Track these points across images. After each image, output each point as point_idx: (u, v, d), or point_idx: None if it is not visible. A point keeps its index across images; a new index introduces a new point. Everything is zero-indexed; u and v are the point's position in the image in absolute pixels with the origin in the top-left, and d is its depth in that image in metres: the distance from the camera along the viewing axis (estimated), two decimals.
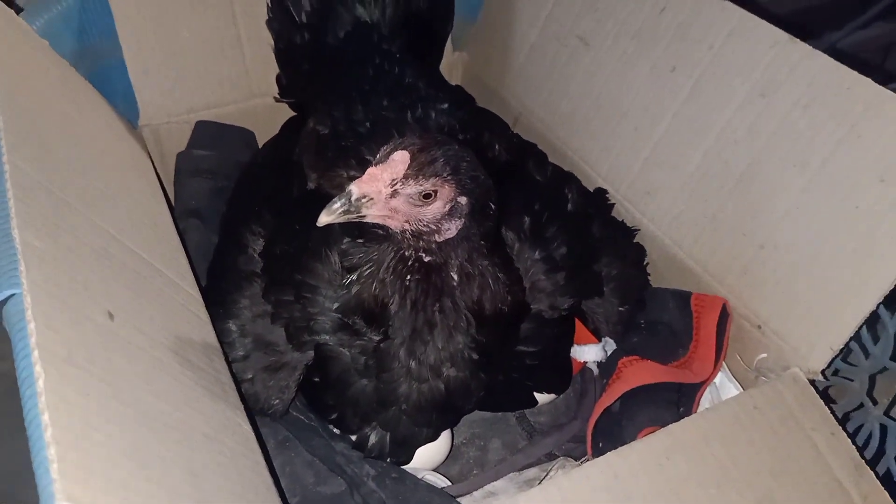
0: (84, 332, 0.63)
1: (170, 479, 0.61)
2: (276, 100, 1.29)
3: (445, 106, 1.09)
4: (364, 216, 0.73)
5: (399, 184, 0.71)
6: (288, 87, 1.28)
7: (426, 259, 0.80)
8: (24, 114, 0.83)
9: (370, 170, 0.72)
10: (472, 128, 1.10)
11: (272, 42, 1.26)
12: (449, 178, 0.73)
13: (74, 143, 0.93)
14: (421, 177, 0.71)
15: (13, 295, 0.67)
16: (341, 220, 0.72)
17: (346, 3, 1.21)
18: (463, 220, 0.76)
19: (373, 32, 1.20)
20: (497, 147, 1.13)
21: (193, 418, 0.72)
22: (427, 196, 0.73)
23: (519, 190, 1.04)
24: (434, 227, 0.76)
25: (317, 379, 0.93)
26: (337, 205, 0.72)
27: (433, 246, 0.78)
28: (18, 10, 1.09)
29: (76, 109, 1.02)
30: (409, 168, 0.71)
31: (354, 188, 0.72)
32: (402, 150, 0.72)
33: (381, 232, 0.81)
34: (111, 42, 1.19)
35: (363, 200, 0.72)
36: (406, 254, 0.80)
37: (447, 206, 0.74)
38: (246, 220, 1.02)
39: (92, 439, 0.54)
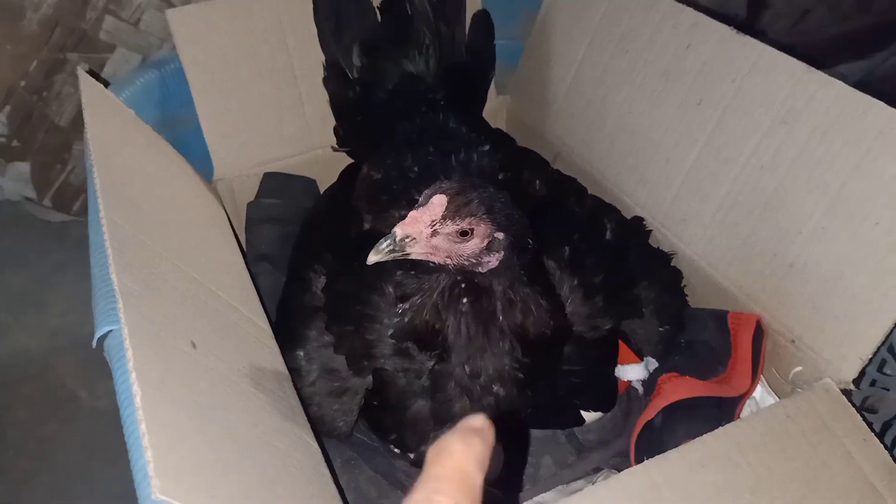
0: (173, 360, 0.73)
1: (248, 485, 0.69)
2: (335, 149, 1.40)
3: (487, 148, 1.18)
4: (408, 254, 0.81)
5: (438, 224, 0.80)
6: (344, 138, 1.39)
7: (476, 282, 0.87)
8: (117, 175, 0.95)
9: (412, 213, 0.81)
10: (512, 167, 1.19)
11: (329, 99, 1.38)
12: (484, 216, 0.81)
13: (159, 199, 1.05)
14: (457, 217, 0.80)
15: (112, 330, 0.79)
16: (388, 258, 0.81)
17: (393, 58, 1.32)
18: (503, 252, 0.84)
19: (419, 83, 1.31)
20: (537, 183, 1.21)
21: (267, 435, 0.81)
22: (464, 233, 0.81)
23: (559, 221, 1.12)
24: (475, 260, 0.84)
25: (376, 402, 1.01)
26: (384, 245, 0.80)
27: (478, 276, 0.87)
28: (106, 84, 1.24)
29: (160, 169, 1.15)
30: (446, 210, 0.80)
31: (398, 229, 0.80)
32: (440, 194, 0.81)
33: (431, 265, 0.89)
34: (188, 109, 1.31)
35: (407, 240, 0.80)
36: (458, 278, 0.88)
37: (485, 242, 0.82)
38: (309, 262, 1.12)
39: (182, 447, 0.63)
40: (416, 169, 1.15)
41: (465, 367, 0.92)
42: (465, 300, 0.89)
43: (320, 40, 1.35)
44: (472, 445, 0.48)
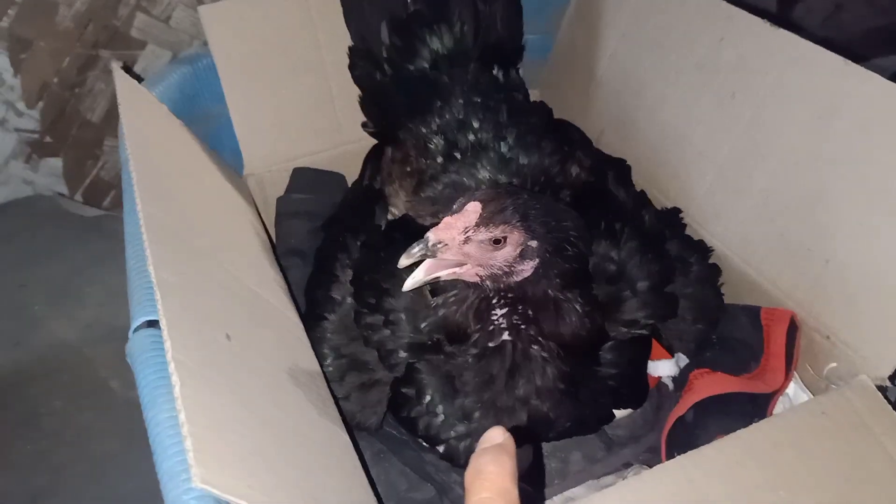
0: (210, 351, 0.74)
1: (286, 474, 0.70)
2: (363, 126, 1.38)
3: (526, 138, 1.15)
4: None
5: (471, 231, 0.80)
6: (375, 123, 1.36)
7: (509, 296, 0.87)
8: (152, 169, 0.95)
9: (446, 219, 0.81)
10: (555, 152, 1.16)
11: (359, 92, 1.36)
12: (518, 224, 0.80)
13: (192, 193, 1.06)
14: (491, 224, 0.80)
15: (146, 321, 0.80)
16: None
17: (422, 37, 1.27)
18: (536, 261, 0.84)
19: (450, 63, 1.26)
20: (578, 165, 1.19)
21: (303, 426, 0.82)
22: (497, 241, 0.81)
23: (600, 209, 1.09)
24: (507, 269, 0.84)
25: (404, 390, 0.99)
26: (415, 249, 0.80)
27: (511, 286, 0.86)
28: (139, 80, 1.25)
29: (192, 163, 1.16)
30: (480, 217, 0.80)
31: (431, 235, 0.80)
32: (474, 200, 0.81)
33: (461, 285, 0.89)
34: (220, 104, 1.32)
35: (439, 245, 0.80)
36: (489, 295, 0.88)
37: (518, 250, 0.82)
38: (335, 252, 1.11)
39: (222, 437, 0.64)
40: (447, 151, 1.13)
41: (501, 378, 0.92)
42: (497, 312, 0.89)
43: (346, 18, 1.33)
44: (504, 465, 0.53)
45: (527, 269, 0.84)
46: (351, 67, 1.36)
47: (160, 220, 0.85)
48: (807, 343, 1.04)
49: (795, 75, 1.06)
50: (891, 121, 0.95)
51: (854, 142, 0.98)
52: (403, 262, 0.81)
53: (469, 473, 0.53)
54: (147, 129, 1.08)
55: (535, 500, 1.00)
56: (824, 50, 1.03)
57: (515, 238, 0.81)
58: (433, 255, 0.81)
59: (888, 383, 0.93)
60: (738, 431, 0.87)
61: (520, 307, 0.88)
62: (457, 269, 0.83)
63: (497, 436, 0.57)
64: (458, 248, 0.81)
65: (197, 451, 0.58)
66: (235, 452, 0.64)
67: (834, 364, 1.00)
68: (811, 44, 1.05)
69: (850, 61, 1.00)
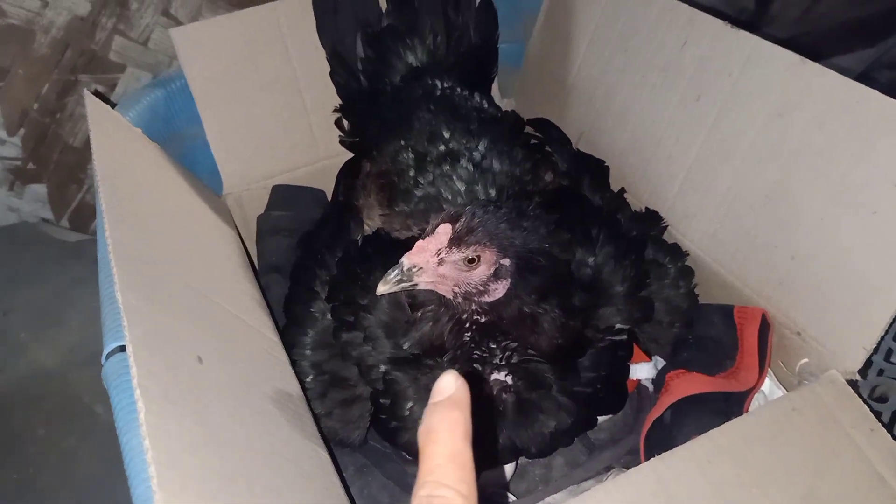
0: (178, 375, 0.74)
1: (254, 495, 0.71)
2: (341, 140, 1.40)
3: (496, 141, 1.16)
4: (416, 284, 0.83)
5: (444, 252, 0.81)
6: (352, 130, 1.38)
7: (482, 320, 0.89)
8: (123, 194, 0.96)
9: (418, 243, 0.83)
10: (527, 159, 1.17)
11: (335, 105, 1.38)
12: (488, 243, 0.82)
13: (166, 216, 1.06)
14: (463, 245, 0.81)
15: (114, 353, 0.81)
16: (397, 288, 0.82)
17: (396, 52, 1.30)
18: (509, 279, 0.85)
19: (425, 75, 1.28)
20: (553, 171, 1.20)
21: (274, 444, 0.82)
22: (471, 261, 0.82)
23: (575, 214, 1.08)
24: (482, 288, 0.85)
25: (383, 401, 0.98)
26: (392, 275, 0.82)
27: (485, 307, 0.87)
28: (113, 105, 1.26)
29: (168, 186, 1.16)
30: (451, 238, 0.81)
31: (405, 260, 0.82)
32: (444, 222, 0.82)
33: (434, 307, 0.91)
34: (196, 125, 1.33)
35: (414, 269, 0.82)
36: (463, 317, 0.89)
37: (491, 269, 0.84)
38: (313, 267, 1.11)
39: (186, 461, 0.65)
40: (421, 166, 1.13)
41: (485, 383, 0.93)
42: (473, 332, 0.90)
43: (319, 31, 1.34)
44: (455, 422, 0.48)
45: (500, 288, 0.85)
46: (331, 73, 1.38)
47: (129, 245, 0.86)
48: (779, 340, 1.05)
49: (754, 74, 1.07)
50: (846, 116, 0.96)
51: (813, 138, 0.99)
52: (381, 289, 0.83)
53: (421, 432, 0.49)
54: (119, 155, 1.08)
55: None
56: (781, 48, 1.04)
57: (488, 257, 0.83)
58: (409, 280, 0.82)
59: (858, 377, 0.94)
60: (711, 431, 0.87)
61: (487, 334, 0.89)
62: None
63: (448, 385, 0.51)
64: (433, 270, 0.83)
65: (160, 478, 0.59)
66: (201, 477, 0.64)
67: (805, 360, 1.01)
68: (768, 43, 1.06)
69: (805, 59, 1.01)
